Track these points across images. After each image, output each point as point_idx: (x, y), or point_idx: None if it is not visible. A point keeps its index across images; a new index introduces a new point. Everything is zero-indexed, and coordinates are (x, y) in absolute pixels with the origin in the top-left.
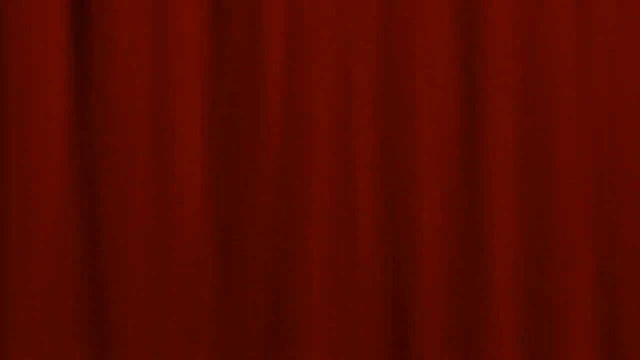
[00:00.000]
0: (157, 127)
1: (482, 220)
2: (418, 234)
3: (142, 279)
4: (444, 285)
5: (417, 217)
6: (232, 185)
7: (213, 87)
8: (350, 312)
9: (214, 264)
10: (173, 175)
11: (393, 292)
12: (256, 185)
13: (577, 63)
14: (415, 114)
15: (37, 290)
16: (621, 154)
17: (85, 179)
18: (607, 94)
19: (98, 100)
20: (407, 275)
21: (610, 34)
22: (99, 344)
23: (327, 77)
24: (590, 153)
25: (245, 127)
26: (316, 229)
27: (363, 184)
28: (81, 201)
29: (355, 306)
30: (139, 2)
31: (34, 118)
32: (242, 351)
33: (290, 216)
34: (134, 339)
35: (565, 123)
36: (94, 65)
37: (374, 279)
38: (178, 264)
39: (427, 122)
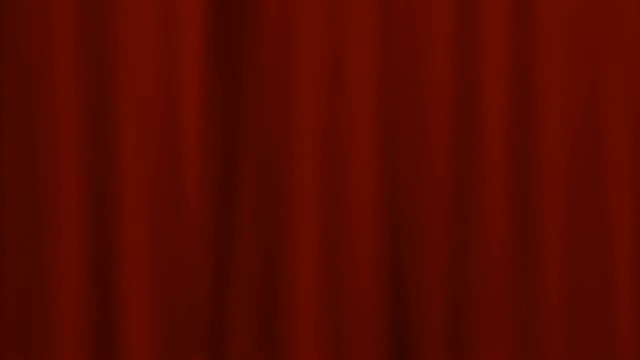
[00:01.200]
0: (157, 124)
1: (481, 219)
2: (418, 233)
3: (142, 278)
4: (444, 285)
5: (418, 216)
6: (232, 184)
7: (213, 86)
8: (349, 311)
9: (212, 263)
10: (173, 170)
11: (393, 291)
12: (254, 184)
13: (575, 61)
14: (415, 113)
15: (37, 288)
16: (615, 153)
17: (89, 178)
18: (606, 92)
19: (101, 98)
20: (407, 273)
21: (609, 32)
22: (99, 344)
23: (326, 76)
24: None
25: (245, 127)
26: (313, 227)
27: (362, 182)
28: (84, 201)
29: (354, 305)
30: None
31: (36, 115)
32: (241, 351)
33: (290, 215)
34: (132, 339)
35: (563, 120)
36: (96, 63)
37: (373, 278)
38: (179, 264)
39: (426, 121)
